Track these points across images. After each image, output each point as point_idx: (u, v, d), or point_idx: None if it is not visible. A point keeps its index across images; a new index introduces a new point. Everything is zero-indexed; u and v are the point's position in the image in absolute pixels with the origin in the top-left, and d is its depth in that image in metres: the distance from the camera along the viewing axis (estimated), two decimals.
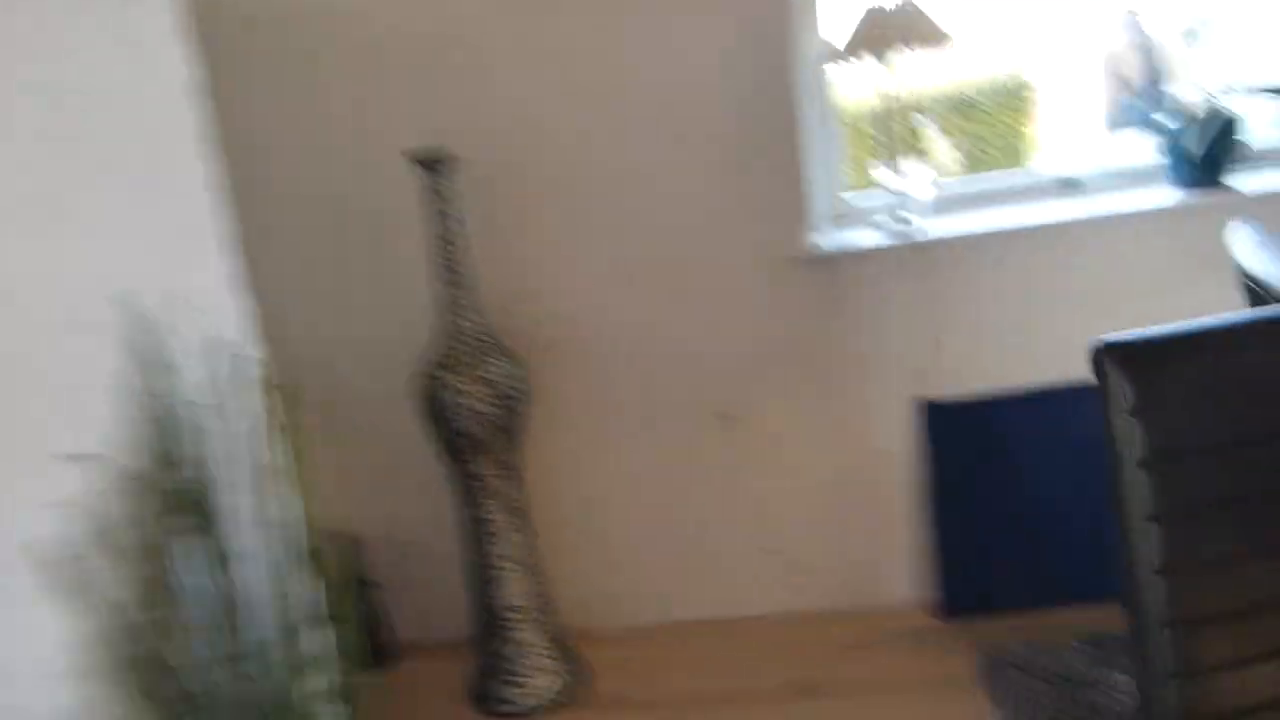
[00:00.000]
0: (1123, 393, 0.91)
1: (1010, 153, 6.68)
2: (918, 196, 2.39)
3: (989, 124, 6.64)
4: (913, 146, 2.39)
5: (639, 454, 2.53)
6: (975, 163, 6.31)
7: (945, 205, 2.44)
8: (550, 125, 2.38)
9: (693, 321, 2.45)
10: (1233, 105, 2.17)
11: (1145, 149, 2.41)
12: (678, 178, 2.38)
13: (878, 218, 2.38)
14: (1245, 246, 1.41)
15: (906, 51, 2.21)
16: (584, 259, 2.45)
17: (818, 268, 2.36)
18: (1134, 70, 5.02)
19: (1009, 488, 2.35)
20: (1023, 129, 6.77)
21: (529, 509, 2.37)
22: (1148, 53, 5.06)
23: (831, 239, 2.38)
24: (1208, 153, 2.16)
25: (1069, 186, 2.44)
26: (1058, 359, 2.30)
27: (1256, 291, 1.34)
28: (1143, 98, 5.02)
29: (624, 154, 2.38)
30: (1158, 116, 2.36)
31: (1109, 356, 0.92)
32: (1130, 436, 0.92)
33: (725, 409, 2.48)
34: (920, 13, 2.20)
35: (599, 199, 2.41)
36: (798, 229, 2.34)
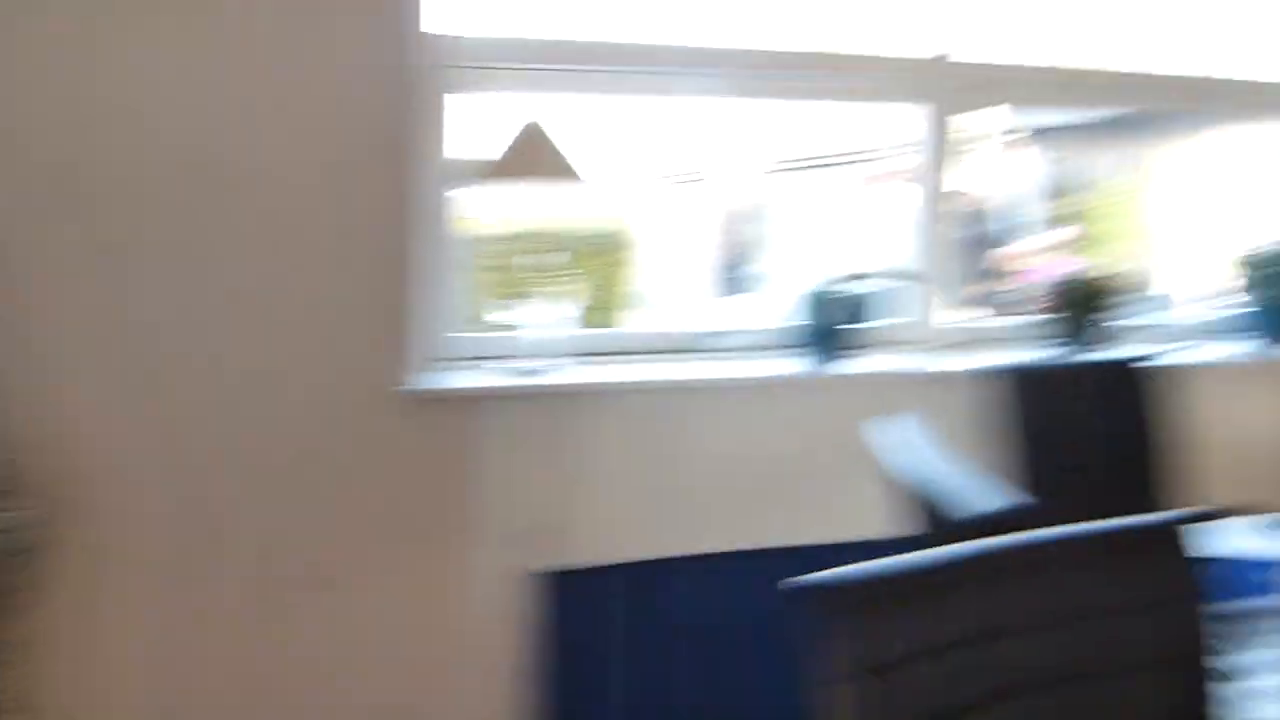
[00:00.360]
0: (834, 652, 0.68)
1: (619, 300, 6.90)
2: (541, 339, 2.18)
3: (599, 269, 6.83)
4: (537, 284, 2.19)
5: (194, 628, 1.97)
6: (590, 308, 6.42)
7: (567, 352, 2.24)
8: (115, 218, 1.88)
9: (272, 466, 1.99)
10: (858, 285, 2.22)
11: (772, 316, 2.41)
12: (264, 297, 1.96)
13: (498, 360, 2.13)
14: (901, 447, 1.31)
15: (537, 183, 2.02)
16: (130, 381, 1.92)
17: (426, 412, 2.04)
18: (726, 235, 5.37)
19: (631, 665, 2.12)
20: (627, 278, 7.05)
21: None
22: (740, 220, 5.45)
23: (444, 380, 2.08)
24: (831, 328, 2.17)
25: (696, 345, 2.36)
26: (683, 527, 2.16)
27: (924, 500, 1.22)
28: (753, 264, 5.37)
29: (199, 269, 1.94)
30: (789, 288, 2.38)
31: (819, 602, 0.69)
32: (842, 708, 0.69)
33: (309, 573, 2.02)
34: (552, 145, 2.03)
35: (155, 314, 1.92)
36: (403, 366, 2.01)
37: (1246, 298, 2.69)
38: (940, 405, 2.30)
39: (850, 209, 2.25)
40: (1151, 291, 2.49)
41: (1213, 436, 2.37)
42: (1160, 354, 2.48)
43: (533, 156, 1.98)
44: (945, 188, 2.42)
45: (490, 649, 2.11)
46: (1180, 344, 2.63)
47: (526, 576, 2.09)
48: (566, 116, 2.25)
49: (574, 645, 2.11)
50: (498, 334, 2.19)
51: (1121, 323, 2.41)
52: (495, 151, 2.02)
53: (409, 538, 2.07)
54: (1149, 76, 2.61)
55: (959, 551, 0.72)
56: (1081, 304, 2.37)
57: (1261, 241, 2.67)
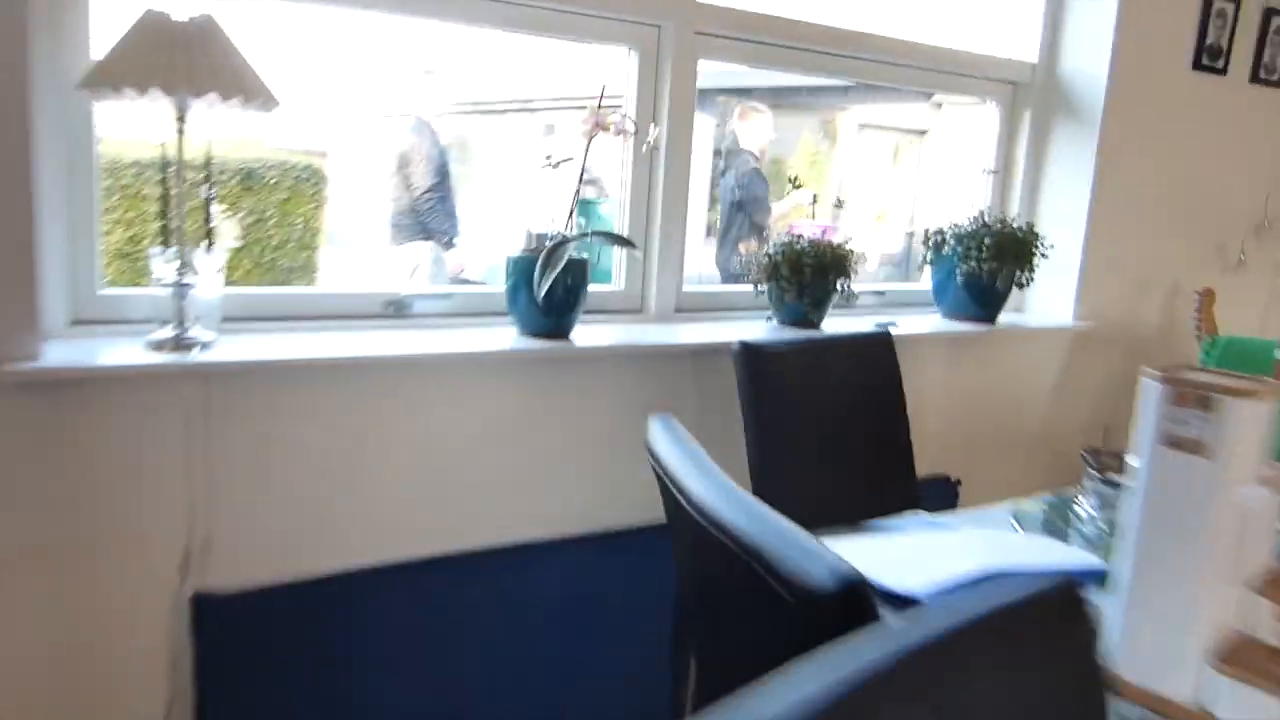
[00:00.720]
0: None
1: (298, 242, 6.28)
2: (205, 300, 1.78)
3: (280, 207, 6.16)
4: (204, 227, 1.78)
5: None
6: (268, 254, 5.75)
7: (237, 316, 1.86)
8: None
9: None
10: (575, 246, 1.96)
11: (476, 273, 2.14)
12: None
13: (149, 328, 1.71)
14: (663, 444, 1.11)
15: (207, 99, 1.57)
16: None
17: (50, 394, 1.58)
18: (422, 177, 4.96)
19: (308, 701, 1.80)
20: (311, 218, 6.42)
21: None
22: (437, 161, 5.06)
23: (76, 353, 1.62)
24: (553, 295, 1.92)
25: (391, 310, 2.04)
26: (375, 533, 1.87)
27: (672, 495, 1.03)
28: (433, 208, 4.98)
29: None
30: (496, 244, 2.10)
31: None
32: None
33: None
34: (229, 48, 1.55)
35: None
36: (22, 336, 1.54)
37: (930, 270, 2.78)
38: (669, 381, 2.17)
39: (565, 161, 2.00)
40: (861, 260, 2.48)
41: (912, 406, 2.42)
42: (880, 326, 2.50)
43: (205, 59, 1.53)
44: (673, 141, 2.25)
45: (130, 684, 1.71)
46: (887, 315, 2.68)
47: (181, 602, 1.71)
48: (249, 22, 1.83)
49: (232, 679, 1.76)
50: (148, 292, 1.76)
51: (838, 290, 2.37)
52: (150, 46, 1.53)
53: (27, 550, 1.62)
54: (878, 38, 2.58)
55: (843, 676, 0.52)
56: (805, 270, 2.30)
57: (941, 219, 2.76)
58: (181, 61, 1.48)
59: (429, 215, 4.83)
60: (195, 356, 1.64)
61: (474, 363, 1.93)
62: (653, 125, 2.06)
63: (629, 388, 2.12)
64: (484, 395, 1.96)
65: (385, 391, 1.85)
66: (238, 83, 1.51)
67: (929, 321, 2.71)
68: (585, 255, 2.00)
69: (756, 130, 5.55)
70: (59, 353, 1.60)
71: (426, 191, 4.82)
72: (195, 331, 1.70)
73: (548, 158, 1.92)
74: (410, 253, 4.87)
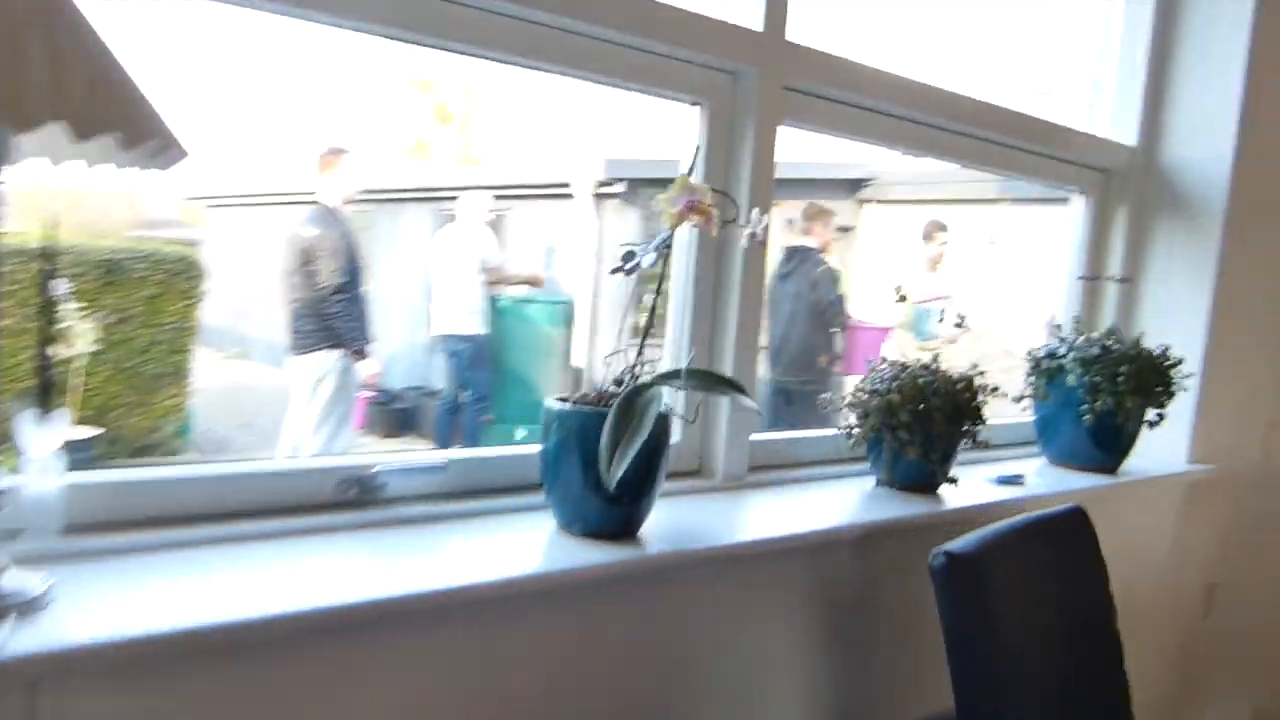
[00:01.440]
0: None
1: (168, 345, 5.34)
2: (36, 498, 1.01)
3: (148, 304, 5.23)
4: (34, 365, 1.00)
5: None
6: (119, 353, 4.81)
7: (96, 515, 1.08)
8: None
9: None
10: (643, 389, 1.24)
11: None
12: None
13: None
14: None
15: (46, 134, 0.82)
16: None
17: None
18: (329, 274, 4.14)
19: None
20: (185, 316, 5.49)
21: None
22: (346, 256, 4.25)
23: None
24: (634, 468, 1.18)
25: (355, 494, 1.28)
26: None
27: None
28: (343, 310, 4.15)
29: None
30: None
31: None
32: None
33: None
34: (94, 46, 0.82)
35: None
36: None
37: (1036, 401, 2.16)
38: (768, 588, 1.46)
39: (643, 261, 1.29)
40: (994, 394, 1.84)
41: None
42: (1002, 482, 1.87)
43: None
44: (749, 230, 1.58)
45: None
46: (1000, 464, 2.04)
47: None
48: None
49: None
50: None
51: (969, 439, 1.72)
52: None
53: None
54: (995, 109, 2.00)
55: None
56: (935, 416, 1.64)
57: (1044, 336, 2.17)
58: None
59: (339, 319, 4.02)
60: (5, 641, 0.84)
61: (499, 595, 1.17)
62: (757, 211, 1.38)
63: (711, 605, 1.40)
64: (509, 644, 1.20)
65: (351, 661, 1.07)
66: (112, 108, 0.75)
67: (1032, 468, 2.08)
68: (667, 407, 1.29)
69: (823, 229, 5.22)
70: None
71: (335, 292, 4.01)
72: (9, 577, 0.90)
73: (622, 260, 1.21)
74: (314, 363, 4.04)
